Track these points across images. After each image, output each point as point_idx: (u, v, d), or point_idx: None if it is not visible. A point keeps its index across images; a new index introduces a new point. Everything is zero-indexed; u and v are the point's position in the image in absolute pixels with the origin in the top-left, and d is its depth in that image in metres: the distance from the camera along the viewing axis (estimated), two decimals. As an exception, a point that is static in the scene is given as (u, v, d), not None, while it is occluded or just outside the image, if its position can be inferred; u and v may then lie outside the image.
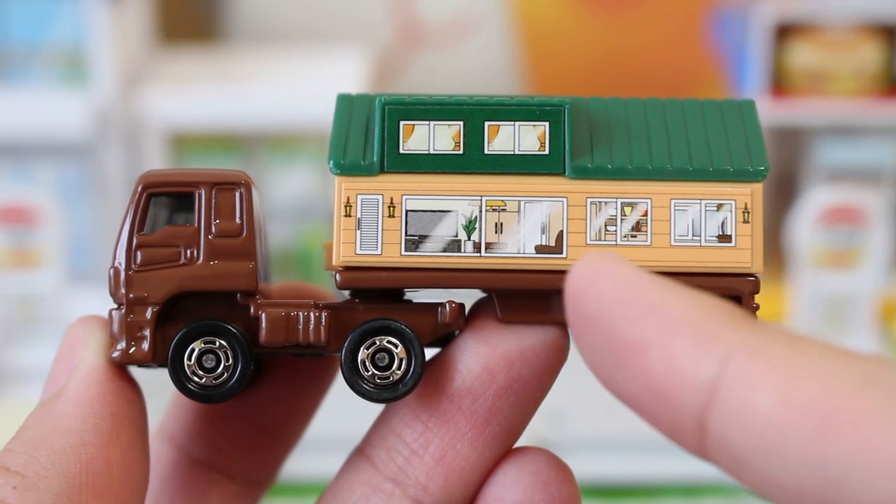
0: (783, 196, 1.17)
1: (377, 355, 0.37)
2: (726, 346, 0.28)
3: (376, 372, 0.37)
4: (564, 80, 1.32)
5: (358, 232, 0.37)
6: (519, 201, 0.37)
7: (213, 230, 0.37)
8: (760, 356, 0.28)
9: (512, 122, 0.38)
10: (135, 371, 0.39)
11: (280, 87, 1.15)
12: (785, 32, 1.14)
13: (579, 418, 0.97)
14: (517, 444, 0.38)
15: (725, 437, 0.28)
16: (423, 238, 0.37)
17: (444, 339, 0.38)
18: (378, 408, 0.39)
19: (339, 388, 0.41)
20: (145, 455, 0.37)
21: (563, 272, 0.37)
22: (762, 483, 0.27)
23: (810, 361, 0.27)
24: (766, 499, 0.28)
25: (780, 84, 1.15)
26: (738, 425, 0.27)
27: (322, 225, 1.16)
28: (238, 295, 0.37)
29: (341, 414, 0.53)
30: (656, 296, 0.29)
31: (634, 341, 0.29)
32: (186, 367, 0.37)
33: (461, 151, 0.37)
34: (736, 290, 0.37)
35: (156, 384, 0.41)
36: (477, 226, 0.37)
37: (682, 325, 0.29)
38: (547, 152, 0.37)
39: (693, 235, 0.37)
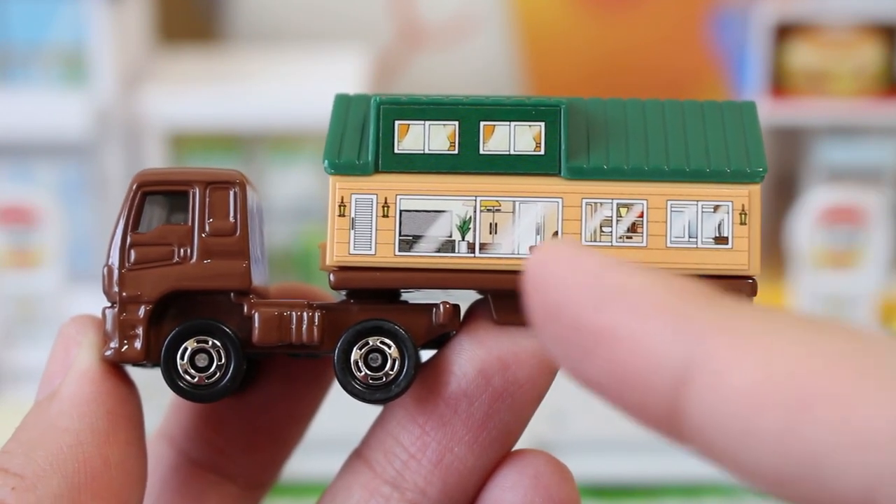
0: (783, 196, 1.17)
1: (370, 356, 0.37)
2: (698, 327, 0.26)
3: (369, 372, 0.37)
4: (564, 81, 1.32)
5: (352, 232, 0.37)
6: (514, 202, 0.37)
7: (207, 229, 0.37)
8: (734, 333, 0.26)
9: (507, 123, 0.37)
10: (133, 371, 0.38)
11: (280, 87, 1.15)
12: (785, 32, 1.14)
13: (579, 418, 0.96)
14: (516, 446, 0.38)
15: (701, 420, 0.26)
16: (417, 238, 0.37)
17: (441, 340, 0.38)
18: (376, 409, 0.39)
19: (339, 388, 0.41)
20: (143, 452, 0.37)
21: None
22: (741, 469, 0.26)
23: (787, 337, 0.26)
24: (748, 485, 0.26)
25: (780, 84, 1.15)
26: (713, 407, 0.26)
27: (322, 225, 1.16)
28: (231, 294, 0.37)
29: (342, 414, 0.53)
30: (621, 279, 0.27)
31: (601, 329, 0.27)
32: (179, 366, 0.37)
33: (456, 151, 0.37)
34: (732, 292, 0.37)
35: (156, 386, 0.41)
36: (471, 226, 0.37)
37: (651, 308, 0.27)
38: (542, 153, 0.37)
39: (689, 237, 0.37)
